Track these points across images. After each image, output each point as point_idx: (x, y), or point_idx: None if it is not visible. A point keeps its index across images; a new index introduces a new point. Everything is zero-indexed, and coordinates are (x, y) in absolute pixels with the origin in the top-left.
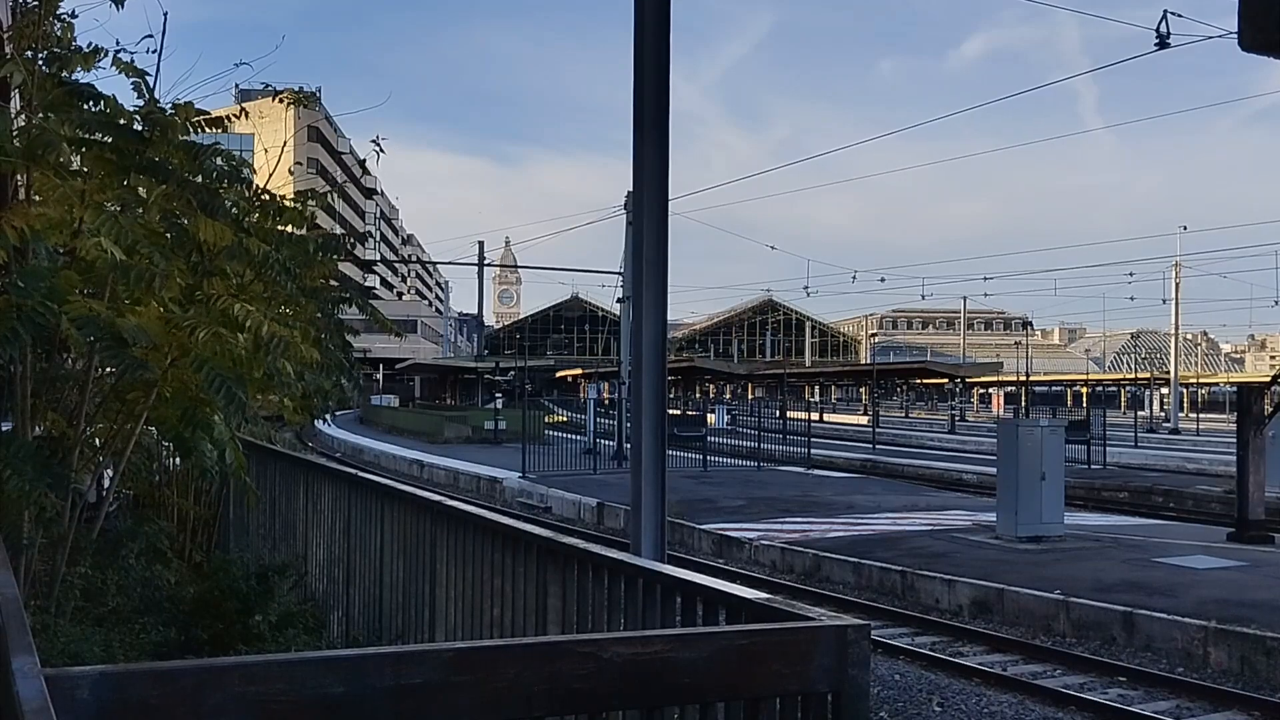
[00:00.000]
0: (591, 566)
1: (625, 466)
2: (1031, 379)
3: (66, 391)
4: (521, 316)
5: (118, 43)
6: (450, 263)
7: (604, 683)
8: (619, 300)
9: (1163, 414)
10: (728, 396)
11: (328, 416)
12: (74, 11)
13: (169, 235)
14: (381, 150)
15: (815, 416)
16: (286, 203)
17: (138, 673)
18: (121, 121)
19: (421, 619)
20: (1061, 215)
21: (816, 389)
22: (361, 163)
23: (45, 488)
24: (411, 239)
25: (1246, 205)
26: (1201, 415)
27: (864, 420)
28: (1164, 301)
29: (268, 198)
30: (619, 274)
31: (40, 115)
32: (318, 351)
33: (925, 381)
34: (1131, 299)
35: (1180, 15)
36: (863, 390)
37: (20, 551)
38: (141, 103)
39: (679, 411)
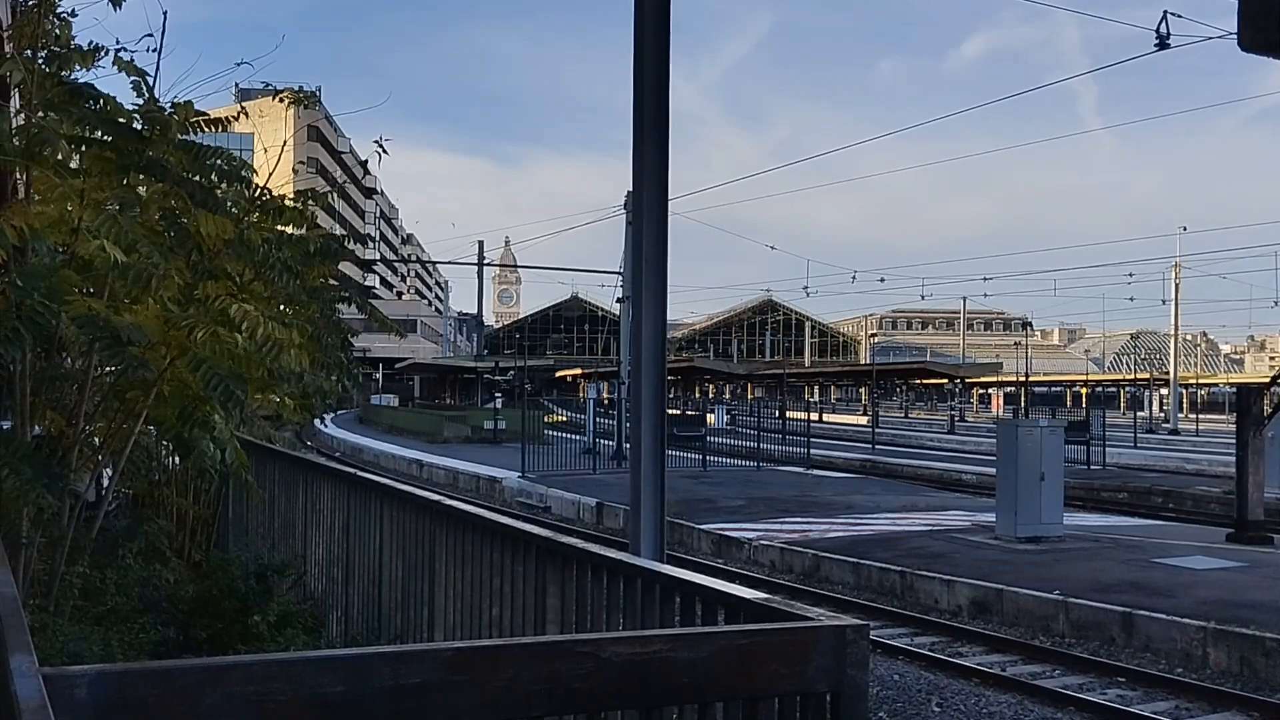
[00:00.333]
0: (591, 566)
1: (624, 466)
2: (1031, 379)
3: (65, 390)
4: (521, 316)
5: (118, 41)
6: (450, 262)
7: (603, 682)
8: (619, 300)
9: (1162, 414)
10: (727, 396)
11: (327, 416)
12: (73, 10)
13: (169, 234)
14: (385, 151)
15: (815, 417)
16: (287, 202)
17: (136, 672)
18: (121, 120)
19: (420, 618)
20: (1061, 216)
21: (816, 389)
22: (363, 164)
23: (42, 488)
24: (411, 238)
25: (1246, 206)
26: (1201, 416)
27: (863, 420)
28: (1164, 302)
29: (268, 197)
30: (619, 274)
31: (39, 114)
32: (316, 352)
33: (925, 382)
34: (1131, 300)
35: (1180, 16)
36: (862, 390)
37: (19, 550)
38: (141, 102)
39: (678, 411)
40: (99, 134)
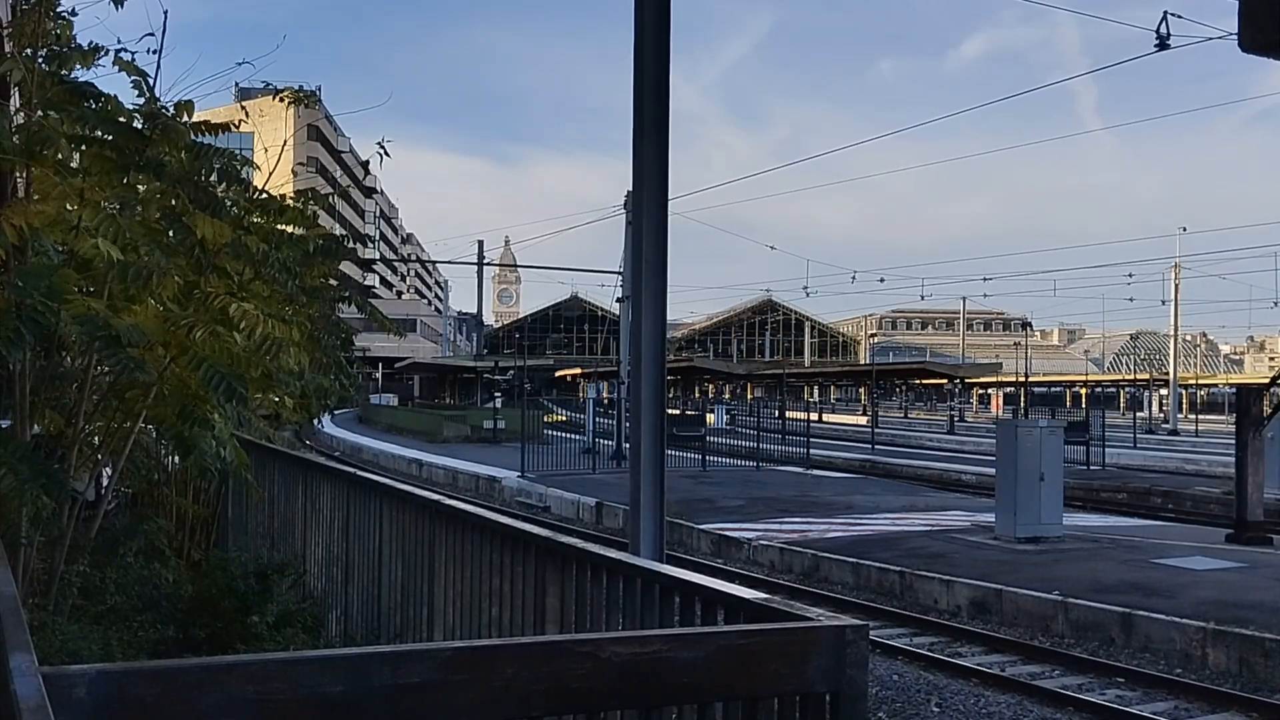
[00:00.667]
0: (590, 566)
1: (624, 466)
2: (1030, 380)
3: (65, 390)
4: (521, 316)
5: (119, 40)
6: (450, 262)
7: (602, 682)
8: (618, 300)
9: (1162, 415)
10: (727, 396)
11: (327, 415)
12: (73, 10)
13: (170, 233)
14: (387, 154)
15: (814, 417)
16: (288, 202)
17: (136, 671)
18: (121, 119)
19: (420, 618)
20: (1061, 216)
21: (815, 389)
22: (365, 165)
23: (40, 488)
24: (411, 238)
25: (1246, 206)
26: (1200, 416)
27: (863, 420)
28: (1163, 302)
29: (268, 196)
30: (618, 274)
31: (39, 113)
32: (316, 351)
33: (924, 382)
34: (1131, 300)
35: (1180, 16)
36: (862, 390)
37: (18, 549)
38: (142, 101)
39: (678, 411)
40: (99, 133)
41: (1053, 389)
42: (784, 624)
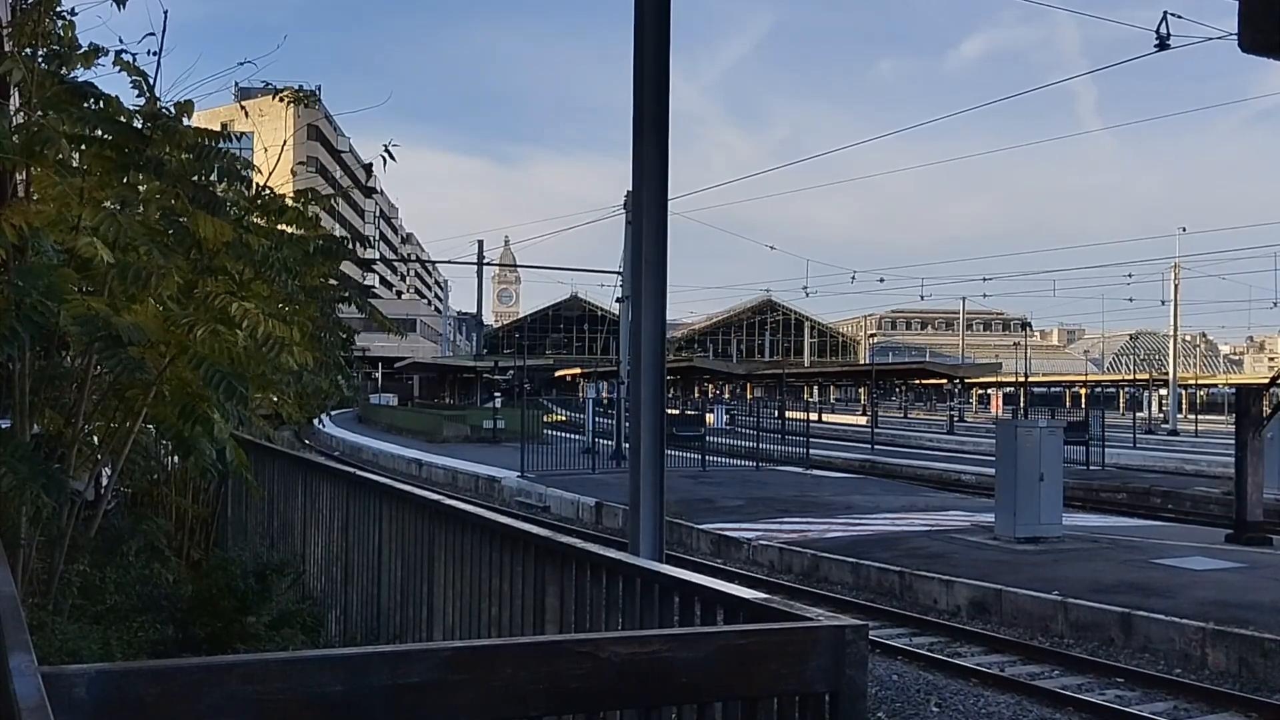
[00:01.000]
0: (590, 566)
1: (624, 466)
2: (1030, 380)
3: (65, 389)
4: (520, 316)
5: (120, 40)
6: (449, 261)
7: (602, 682)
8: (618, 300)
9: (1161, 415)
10: (726, 396)
11: (326, 415)
12: (74, 10)
13: (170, 233)
14: (392, 158)
15: (814, 417)
16: (288, 202)
17: (136, 671)
18: (121, 119)
19: (419, 618)
20: (1061, 216)
21: (815, 389)
22: (368, 167)
23: (40, 488)
24: (411, 238)
25: (1246, 207)
26: (1200, 416)
27: (862, 421)
28: (1163, 303)
29: (269, 196)
30: (618, 274)
31: (39, 113)
32: (316, 351)
33: (924, 382)
34: (1130, 300)
35: (1180, 16)
36: (861, 391)
37: (17, 549)
38: (142, 101)
39: (678, 411)
40: (99, 133)
41: (1052, 389)
42: (783, 624)
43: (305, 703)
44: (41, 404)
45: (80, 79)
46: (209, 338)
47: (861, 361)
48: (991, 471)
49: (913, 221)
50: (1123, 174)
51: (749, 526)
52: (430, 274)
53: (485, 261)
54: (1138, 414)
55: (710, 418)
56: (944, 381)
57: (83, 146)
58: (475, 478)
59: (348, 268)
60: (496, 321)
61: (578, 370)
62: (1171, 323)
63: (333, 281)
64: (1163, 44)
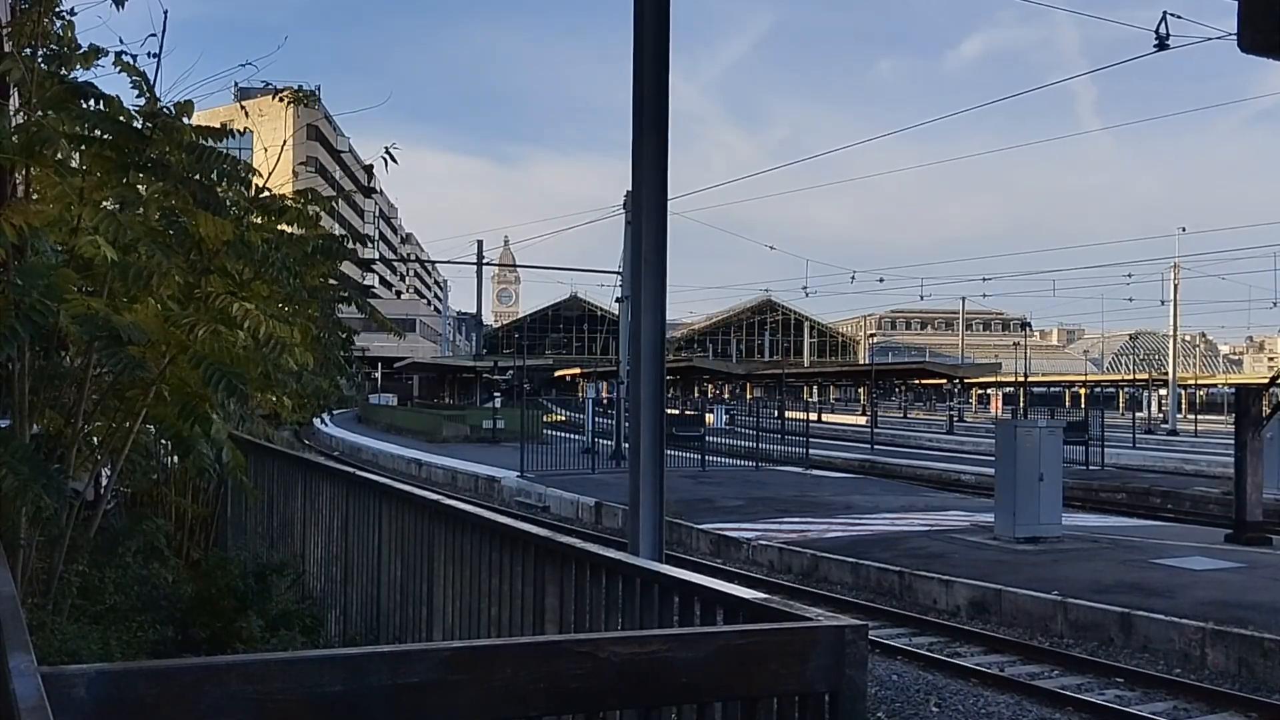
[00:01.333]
0: (589, 566)
1: (623, 466)
2: (1030, 380)
3: (64, 389)
4: (520, 316)
5: (120, 40)
6: (449, 261)
7: (601, 682)
8: (618, 300)
9: (1161, 415)
10: (726, 396)
11: (326, 415)
12: (73, 10)
13: (169, 233)
14: (393, 160)
15: (813, 417)
16: (288, 202)
17: (135, 671)
18: (121, 119)
19: (419, 618)
20: (1060, 216)
21: (815, 389)
22: (369, 168)
23: (40, 489)
24: (410, 238)
25: (1245, 207)
26: (1200, 416)
27: (862, 420)
28: (1162, 303)
29: (268, 195)
30: (618, 273)
31: (39, 113)
32: (317, 351)
33: (923, 382)
34: (1130, 300)
35: (1179, 16)
36: (861, 391)
37: (17, 549)
38: (143, 101)
39: (677, 411)
40: (99, 133)
41: (1052, 389)
42: (783, 624)
43: (305, 703)
44: (41, 404)
45: (80, 79)
46: (210, 338)
47: (861, 361)
48: (991, 471)
49: (912, 221)
50: (1122, 174)
51: (748, 526)
52: (430, 274)
53: (485, 261)
54: (1137, 414)
55: (710, 418)
56: (943, 381)
57: (83, 146)
58: (475, 478)
59: (347, 268)
60: (496, 321)
61: (577, 370)
62: (1171, 323)
63: (332, 281)
64: (1162, 44)
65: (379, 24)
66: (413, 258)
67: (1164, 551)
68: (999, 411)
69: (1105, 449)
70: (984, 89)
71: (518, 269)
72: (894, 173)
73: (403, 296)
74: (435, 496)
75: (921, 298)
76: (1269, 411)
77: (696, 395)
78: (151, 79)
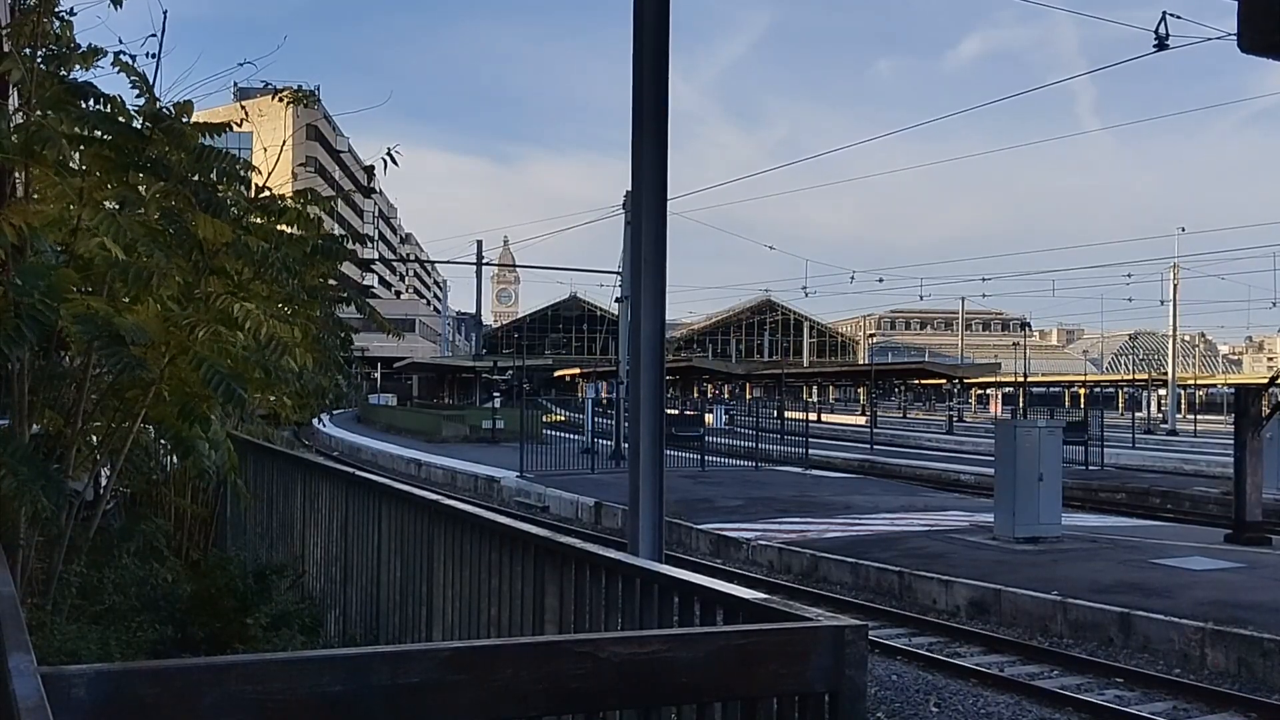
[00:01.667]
0: (589, 566)
1: (623, 466)
2: (1029, 380)
3: (64, 389)
4: (520, 316)
5: (120, 40)
6: (448, 261)
7: (601, 682)
8: (617, 300)
9: (1160, 415)
10: (726, 396)
11: (325, 415)
12: (72, 9)
13: (169, 233)
14: (395, 162)
15: (813, 417)
16: (288, 203)
17: (135, 671)
18: (121, 119)
19: (419, 618)
20: (1060, 216)
21: (814, 389)
22: (369, 170)
23: (39, 489)
24: (410, 238)
25: (1245, 207)
26: (1199, 416)
27: (862, 421)
28: (1162, 303)
29: (267, 195)
30: (617, 273)
31: (39, 113)
32: (317, 352)
33: (923, 382)
34: (1129, 300)
35: (1179, 17)
36: (860, 391)
37: (17, 549)
38: (142, 101)
39: (677, 411)
40: (99, 133)
41: (1051, 389)
42: (783, 624)
43: (305, 703)
44: (40, 404)
45: (80, 79)
46: (210, 339)
47: (860, 361)
48: (990, 471)
49: (912, 221)
50: (1122, 174)
51: (748, 526)
52: (429, 274)
53: (484, 261)
54: (1137, 414)
55: (709, 418)
56: (943, 381)
57: (82, 146)
58: (474, 478)
59: (347, 268)
60: (495, 321)
61: (577, 370)
62: (1171, 323)
63: (332, 282)
64: (1162, 44)
65: (379, 24)
66: (412, 258)
67: (1163, 551)
68: (998, 412)
69: (1105, 449)
70: (983, 89)
71: (517, 269)
72: (893, 173)
73: (402, 296)
74: (435, 496)
75: (921, 298)
76: (1268, 411)
77: (696, 395)
78: (151, 79)
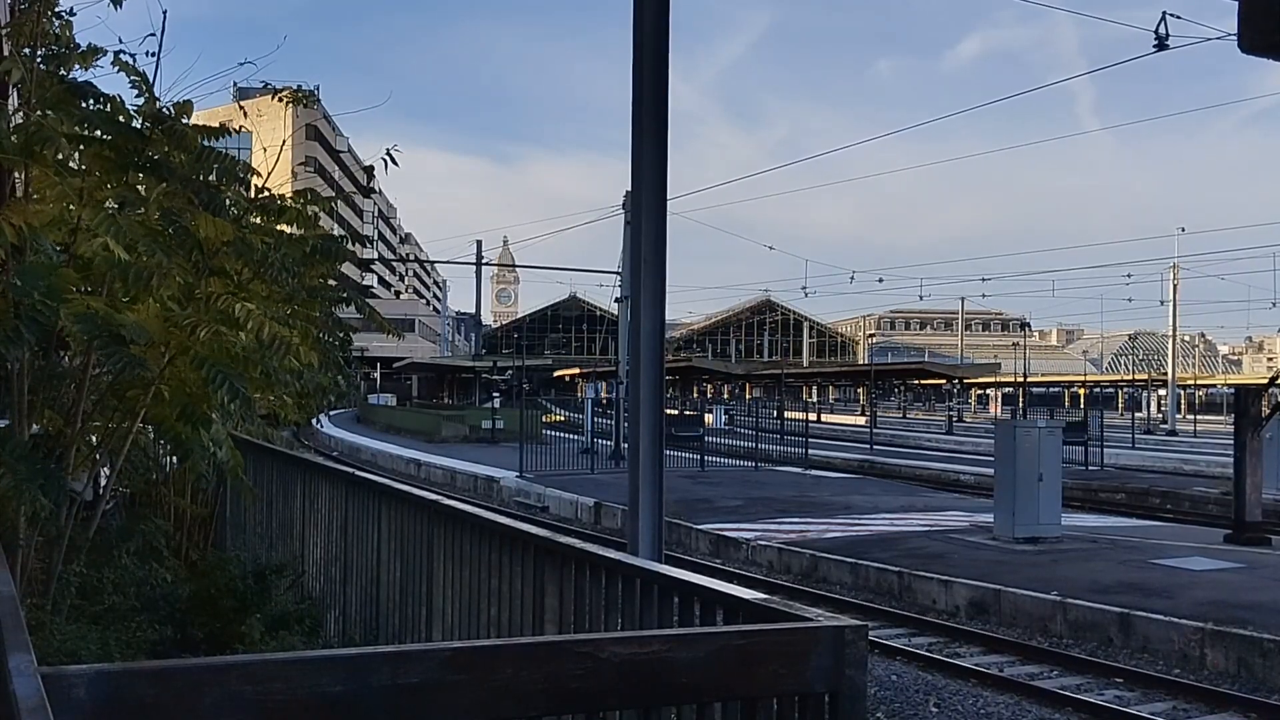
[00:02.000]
0: (589, 566)
1: (623, 466)
2: (1029, 380)
3: (63, 389)
4: (519, 316)
5: (120, 40)
6: (448, 261)
7: (601, 682)
8: (617, 300)
9: (1160, 415)
10: (725, 396)
11: (324, 415)
12: (72, 9)
13: (168, 233)
14: (395, 163)
15: (813, 417)
16: (287, 203)
17: (135, 672)
18: (121, 119)
19: (419, 618)
20: (1059, 216)
21: (814, 389)
22: (368, 169)
23: (38, 488)
24: (409, 238)
25: (1245, 207)
26: (1199, 417)
27: (861, 421)
28: (1162, 303)
29: (267, 195)
30: (617, 273)
31: (39, 113)
32: (318, 352)
33: (923, 382)
34: (1129, 300)
35: (1179, 17)
36: (860, 391)
37: (16, 549)
38: (142, 101)
39: (677, 411)
40: (99, 133)
41: (1051, 389)
42: (783, 624)
43: (305, 703)
44: (40, 404)
45: (79, 79)
46: (211, 339)
47: (860, 362)
48: (990, 471)
49: (911, 222)
50: (1121, 174)
51: (748, 527)
52: (429, 274)
53: (484, 261)
54: (1136, 414)
55: (709, 418)
56: (943, 382)
57: (82, 146)
58: (474, 478)
59: (347, 268)
60: (495, 321)
61: (576, 370)
62: (1170, 323)
63: (332, 282)
64: (1162, 44)
65: (379, 24)
66: (412, 258)
67: (1163, 552)
68: (998, 412)
69: (1104, 449)
70: (983, 89)
71: (517, 269)
72: (893, 173)
73: (402, 296)
74: (434, 496)
75: (921, 298)
76: (1268, 412)
77: (695, 395)
78: (151, 79)
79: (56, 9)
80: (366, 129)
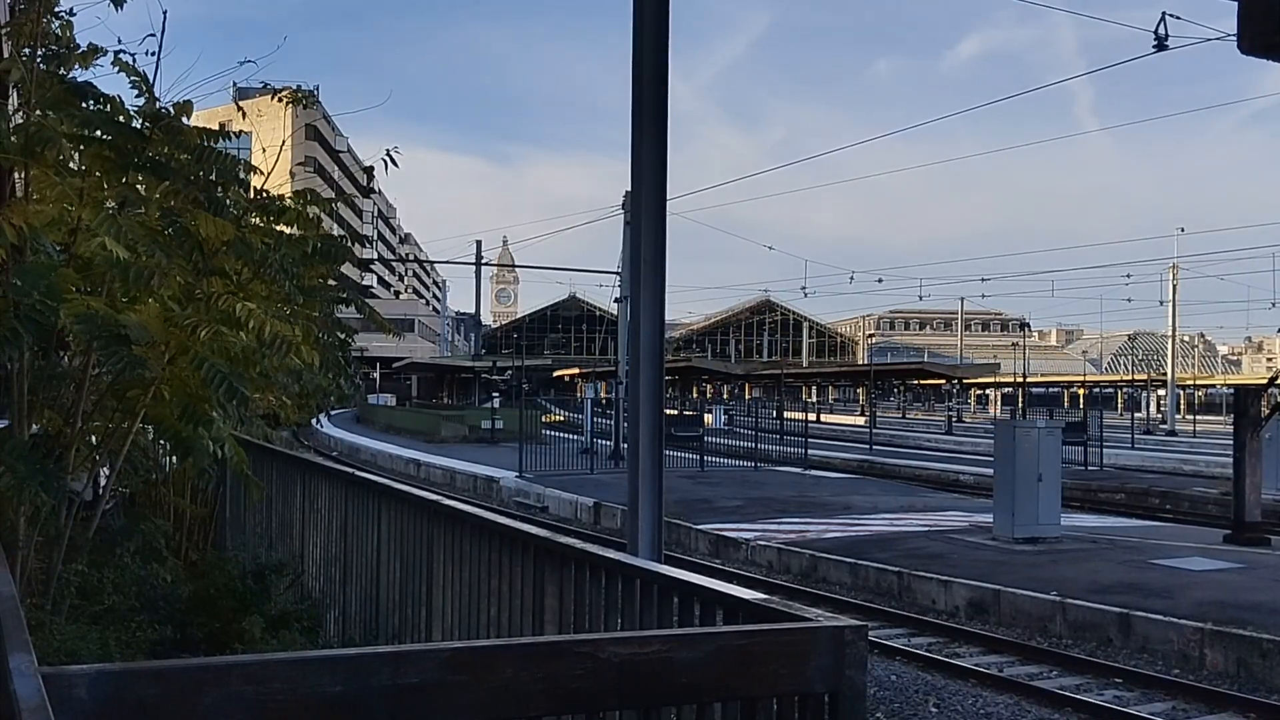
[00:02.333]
0: (589, 566)
1: (622, 466)
2: (1029, 380)
3: (63, 389)
4: (519, 316)
5: (119, 40)
6: (448, 261)
7: (601, 682)
8: (617, 300)
9: (1160, 415)
10: (725, 396)
11: (324, 416)
12: (72, 10)
13: (169, 233)
14: (394, 163)
15: (812, 417)
16: (287, 203)
17: (135, 671)
18: (121, 119)
19: (418, 618)
20: (1059, 217)
21: (814, 389)
22: (368, 170)
23: (37, 487)
24: (409, 238)
25: (1244, 207)
26: (1198, 417)
27: (861, 421)
28: (1161, 303)
29: (266, 195)
30: (617, 274)
31: (39, 113)
32: (318, 352)
33: (922, 382)
34: (1129, 301)
35: (1178, 17)
36: (860, 391)
37: (16, 549)
38: (142, 101)
39: (676, 411)
40: (99, 133)
41: (1051, 389)
42: (783, 625)
43: (305, 703)
44: (40, 403)
45: (79, 79)
46: (212, 339)
47: (860, 362)
48: (990, 472)
49: (911, 222)
50: (1121, 174)
51: (747, 527)
52: (428, 274)
53: (483, 261)
54: (1136, 414)
55: (709, 418)
56: (942, 382)
57: (82, 146)
58: (473, 478)
59: (346, 268)
60: (495, 322)
61: (576, 370)
62: (1170, 323)
63: (331, 282)
64: (1161, 45)
65: (379, 24)
66: (411, 258)
67: (1163, 552)
68: (998, 412)
69: (1104, 449)
70: (982, 89)
71: (516, 269)
72: (893, 173)
73: (401, 296)
74: (434, 497)
75: (920, 298)
76: (1268, 412)
77: (695, 395)
78: (151, 79)
79: (56, 9)
80: (366, 129)
